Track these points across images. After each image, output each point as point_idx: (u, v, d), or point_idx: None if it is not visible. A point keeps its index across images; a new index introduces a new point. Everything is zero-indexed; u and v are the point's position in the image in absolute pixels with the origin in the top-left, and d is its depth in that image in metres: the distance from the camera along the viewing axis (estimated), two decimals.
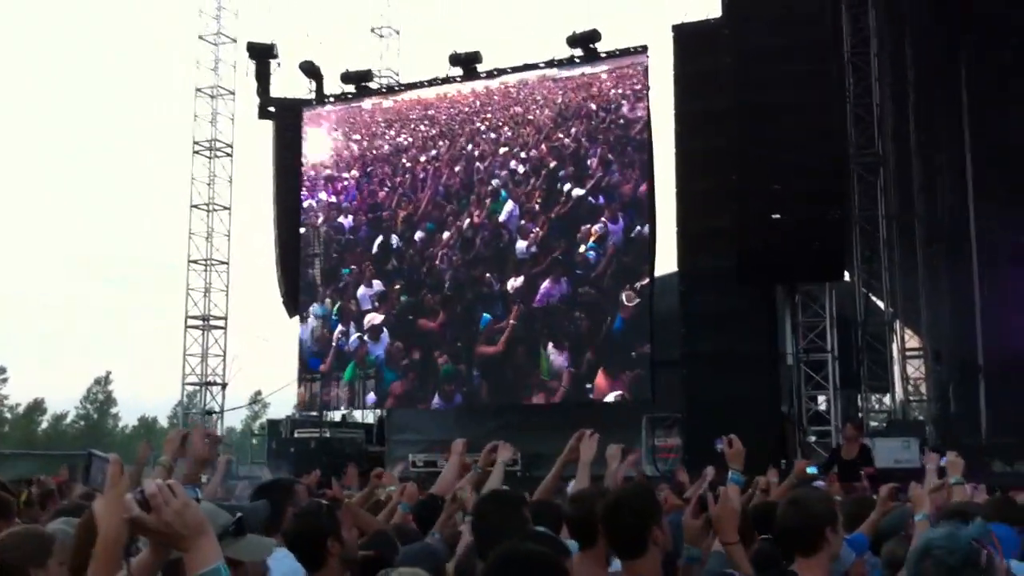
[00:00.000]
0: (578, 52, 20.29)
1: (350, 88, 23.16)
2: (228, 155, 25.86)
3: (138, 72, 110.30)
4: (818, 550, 3.81)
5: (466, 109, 22.45)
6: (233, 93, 25.91)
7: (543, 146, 21.03)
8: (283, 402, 24.08)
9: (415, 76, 23.64)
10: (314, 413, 21.49)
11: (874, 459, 10.60)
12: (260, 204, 25.59)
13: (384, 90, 23.88)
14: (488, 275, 20.74)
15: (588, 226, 19.75)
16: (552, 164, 20.61)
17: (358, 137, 23.09)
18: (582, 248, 19.61)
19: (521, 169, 21.24)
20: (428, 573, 2.57)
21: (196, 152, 25.71)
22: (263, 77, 24.35)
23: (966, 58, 19.53)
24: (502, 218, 21.14)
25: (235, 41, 25.75)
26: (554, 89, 21.05)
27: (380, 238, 22.00)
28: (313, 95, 23.72)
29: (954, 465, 5.57)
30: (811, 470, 7.63)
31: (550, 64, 20.65)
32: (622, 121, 19.82)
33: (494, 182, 21.38)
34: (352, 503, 5.47)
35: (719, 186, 16.56)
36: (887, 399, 17.31)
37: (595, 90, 20.43)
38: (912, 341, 19.55)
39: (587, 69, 20.51)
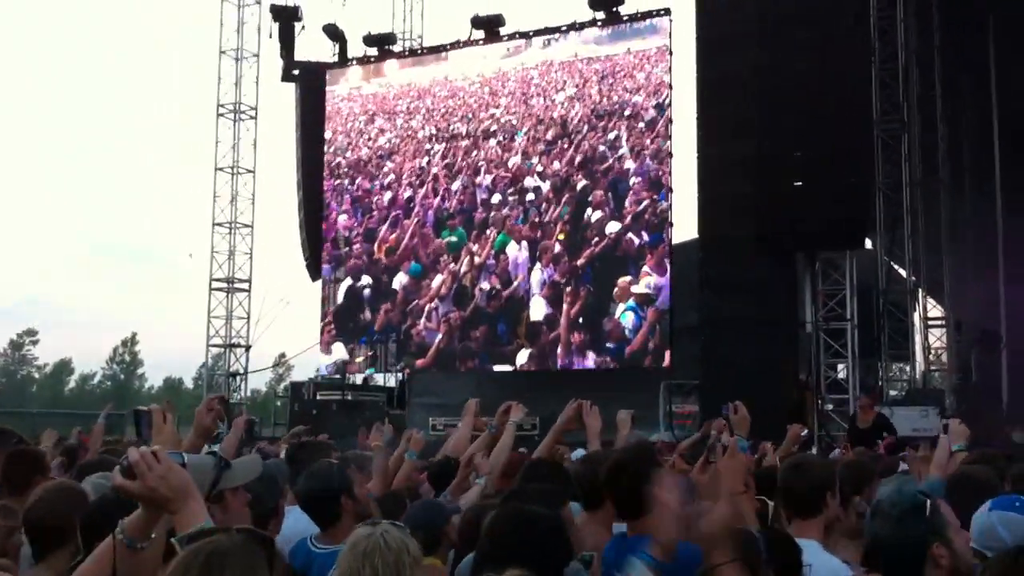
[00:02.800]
0: (600, 15, 20.15)
1: (372, 51, 23.13)
2: (252, 118, 25.92)
3: (162, 35, 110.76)
4: (817, 513, 3.94)
5: (472, 101, 21.19)
6: (257, 56, 25.94)
7: (568, 154, 19.69)
8: (307, 364, 24.22)
9: (438, 39, 23.56)
10: (337, 376, 21.67)
11: (893, 427, 10.58)
12: (284, 167, 25.73)
13: (407, 53, 23.85)
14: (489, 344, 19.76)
15: (627, 279, 18.45)
16: (580, 183, 19.42)
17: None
18: (617, 311, 18.46)
19: (538, 187, 19.91)
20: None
21: (220, 115, 25.79)
22: (287, 40, 24.38)
23: (994, 22, 19.25)
24: (511, 257, 19.87)
25: (259, 3, 25.73)
26: (576, 74, 20.28)
27: (348, 281, 21.65)
28: (336, 58, 23.72)
29: (957, 433, 5.59)
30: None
31: (572, 27, 20.51)
32: (648, 118, 19.20)
33: (503, 208, 20.07)
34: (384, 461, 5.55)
35: (740, 152, 16.46)
36: (907, 368, 17.23)
37: (620, 77, 19.66)
38: (935, 311, 19.41)
39: (609, 49, 20.05)
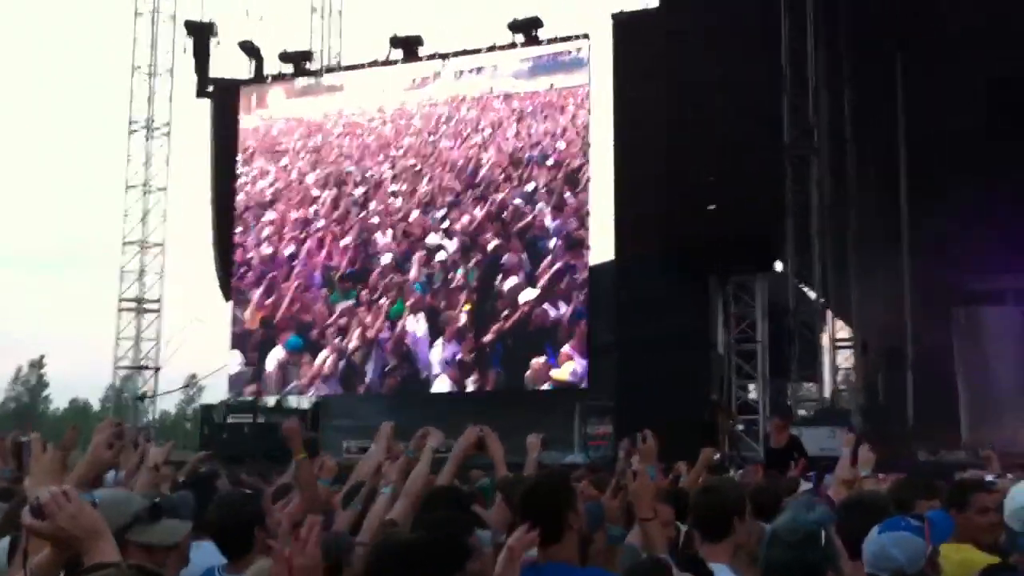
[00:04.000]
0: (520, 38, 20.24)
1: (288, 68, 22.91)
2: (165, 135, 25.44)
3: (74, 51, 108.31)
4: (726, 536, 3.99)
5: (371, 140, 19.03)
6: (171, 72, 25.50)
7: (479, 208, 17.69)
8: (217, 387, 23.76)
9: (356, 59, 23.38)
10: (249, 398, 21.31)
11: (804, 448, 10.73)
12: (197, 185, 25.29)
13: (323, 71, 23.68)
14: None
15: (541, 360, 17.02)
16: (492, 242, 17.58)
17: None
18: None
19: (442, 246, 17.86)
20: None
21: (132, 131, 25.28)
22: (202, 55, 23.99)
23: (900, 56, 19.92)
24: (410, 332, 17.99)
25: (173, 19, 25.31)
26: (491, 112, 18.71)
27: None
28: (252, 74, 23.44)
29: (865, 460, 5.71)
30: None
31: (491, 49, 20.53)
32: (574, 166, 17.95)
33: (401, 271, 17.95)
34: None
35: (656, 175, 16.69)
36: (816, 388, 17.59)
37: (541, 118, 18.27)
38: (843, 331, 19.85)
39: (529, 85, 19.02)
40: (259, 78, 23.18)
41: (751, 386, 16.66)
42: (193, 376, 36.86)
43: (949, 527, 4.59)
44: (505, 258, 17.76)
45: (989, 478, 7.28)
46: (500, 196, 18.30)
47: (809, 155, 17.99)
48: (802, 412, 16.58)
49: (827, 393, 17.63)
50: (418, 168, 18.95)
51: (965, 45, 18.08)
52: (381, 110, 19.76)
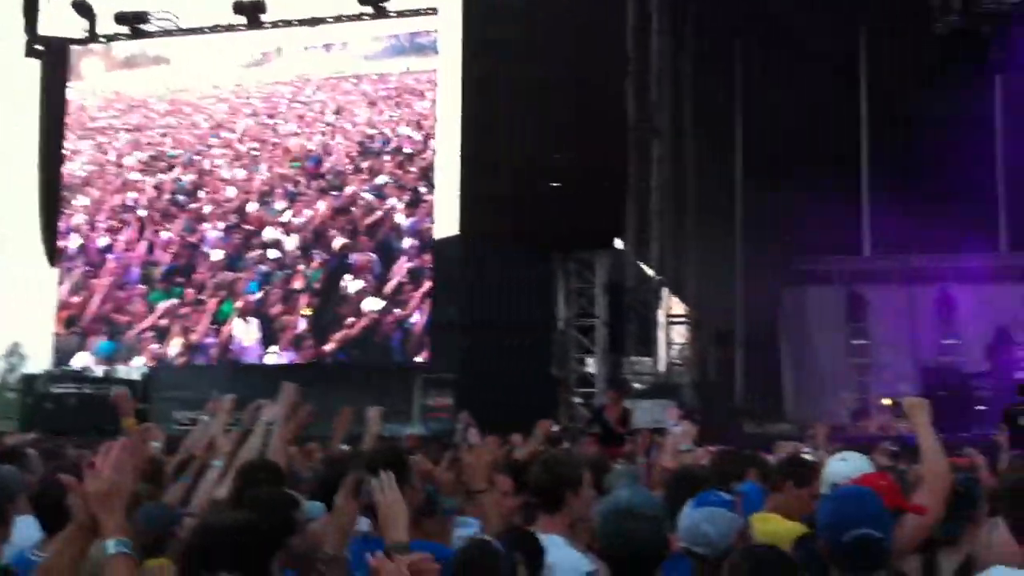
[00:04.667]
0: (368, 9, 19.92)
1: (124, 29, 21.95)
2: None
3: None
4: (560, 509, 4.11)
5: (201, 121, 16.92)
6: None
7: (323, 201, 16.20)
8: (41, 356, 22.71)
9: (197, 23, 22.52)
10: (75, 367, 20.44)
11: (631, 421, 11.01)
12: (23, 148, 24.01)
13: (161, 33, 22.79)
14: None
15: None
16: (338, 240, 16.18)
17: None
18: None
19: (280, 242, 16.26)
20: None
21: None
22: (31, 13, 22.76)
23: (741, 46, 20.65)
24: (237, 337, 16.34)
25: None
26: (340, 94, 17.49)
27: None
28: (86, 34, 22.36)
29: (686, 434, 5.94)
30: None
31: (338, 19, 20.14)
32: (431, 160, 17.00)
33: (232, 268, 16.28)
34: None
35: (502, 153, 16.79)
36: (652, 363, 18.10)
37: (395, 104, 17.21)
38: (678, 309, 20.46)
39: (382, 66, 18.06)
40: (92, 38, 22.15)
41: (590, 361, 17.02)
42: (15, 344, 35.30)
43: (760, 500, 4.82)
44: (352, 258, 16.56)
45: (806, 451, 7.68)
46: (348, 189, 17.07)
47: (650, 137, 18.40)
48: (637, 386, 17.05)
49: (661, 368, 18.16)
50: (256, 154, 17.33)
51: (800, 33, 18.88)
52: (215, 87, 17.97)
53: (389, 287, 16.50)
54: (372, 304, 16.27)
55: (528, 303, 16.62)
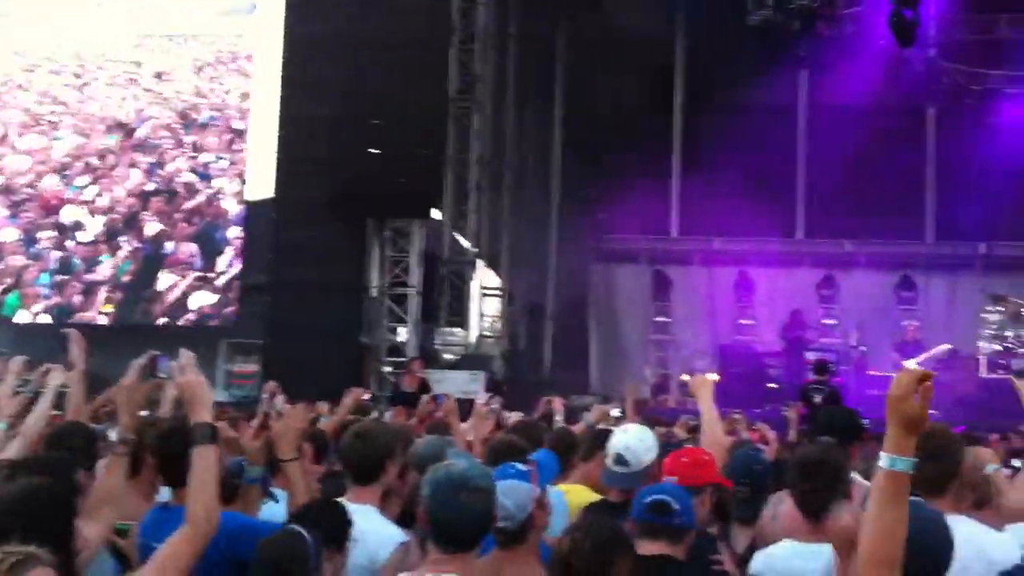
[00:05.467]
0: None
1: None
2: None
3: None
4: (374, 480, 4.15)
5: None
6: None
7: (135, 178, 14.07)
8: None
9: None
10: None
11: (431, 390, 11.06)
12: None
13: None
14: None
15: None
16: (154, 226, 14.18)
17: None
18: None
19: (81, 224, 14.01)
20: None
21: None
22: None
23: (565, 26, 21.05)
24: None
25: None
26: (162, 54, 15.47)
27: None
28: None
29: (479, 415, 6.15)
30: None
31: None
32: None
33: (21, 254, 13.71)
34: None
35: (320, 115, 16.50)
36: (464, 335, 18.24)
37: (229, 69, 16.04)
38: (492, 281, 20.68)
39: (211, 26, 16.76)
40: None
41: (402, 330, 17.01)
42: None
43: (556, 467, 4.98)
44: (169, 247, 14.95)
45: (616, 411, 8.00)
46: (167, 167, 15.28)
47: (471, 108, 18.46)
48: (449, 357, 17.17)
49: (473, 339, 18.34)
50: (57, 119, 14.93)
51: (620, 19, 19.34)
52: (14, 38, 15.23)
53: (220, 281, 15.16)
54: (198, 300, 14.94)
55: (341, 270, 16.45)
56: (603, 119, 20.53)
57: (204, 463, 3.18)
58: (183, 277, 14.88)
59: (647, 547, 3.56)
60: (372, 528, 3.88)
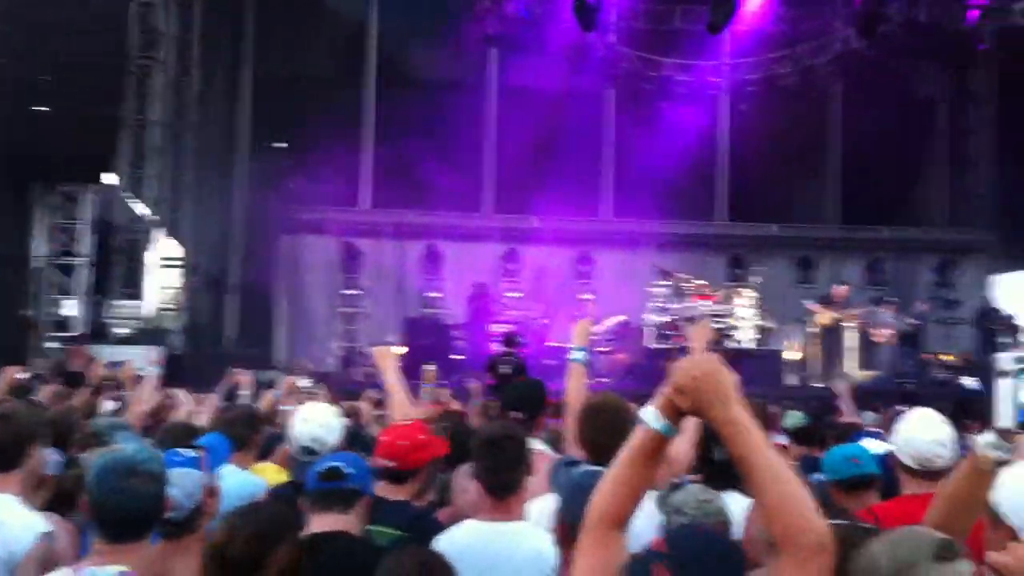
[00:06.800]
0: None
1: None
2: None
3: None
4: (17, 465, 3.79)
5: None
6: None
7: None
8: None
9: None
10: None
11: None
12: None
13: None
14: None
15: None
16: None
17: None
18: None
19: None
20: None
21: None
22: None
23: None
24: None
25: None
26: None
27: None
28: None
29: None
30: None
31: None
32: None
33: None
34: None
35: None
36: (139, 307, 17.26)
37: None
38: (173, 251, 19.76)
39: None
40: None
41: (69, 303, 15.86)
42: None
43: (227, 450, 4.78)
44: None
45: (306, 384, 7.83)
46: None
47: (152, 69, 17.45)
48: (123, 331, 16.23)
49: (150, 312, 17.40)
50: None
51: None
52: None
53: None
54: None
55: (2, 238, 15.16)
56: (294, 88, 20.10)
57: None
58: None
59: (320, 522, 3.43)
60: (11, 518, 3.55)
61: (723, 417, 2.20)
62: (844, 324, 16.80)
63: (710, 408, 2.22)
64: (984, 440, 2.86)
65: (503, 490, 3.70)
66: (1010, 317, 18.39)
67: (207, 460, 3.46)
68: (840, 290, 17.41)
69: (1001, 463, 2.78)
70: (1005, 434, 2.66)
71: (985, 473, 2.82)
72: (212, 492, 3.37)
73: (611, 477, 2.36)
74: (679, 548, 2.11)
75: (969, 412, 7.79)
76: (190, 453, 3.39)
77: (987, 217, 22.14)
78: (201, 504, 3.28)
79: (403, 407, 5.09)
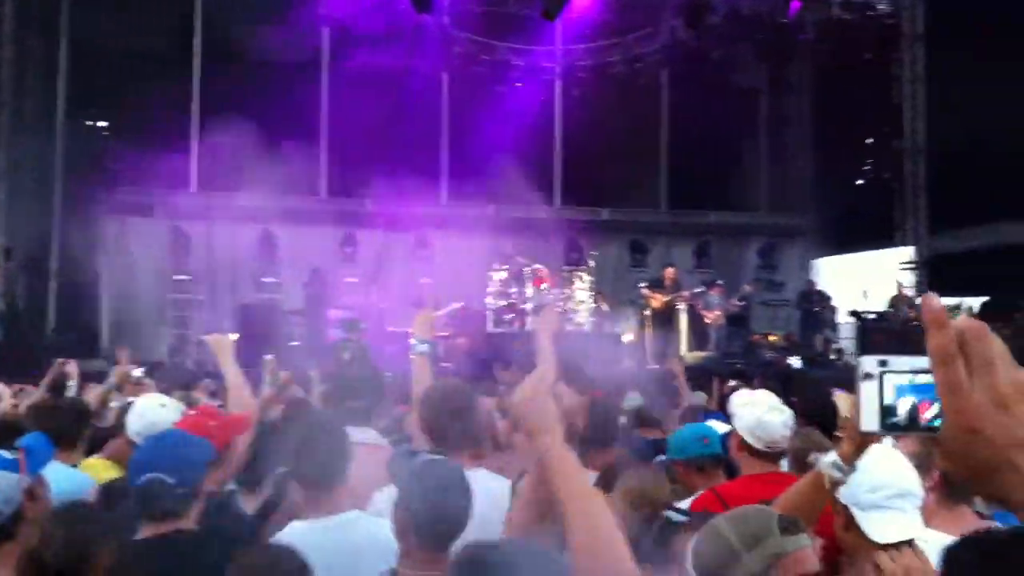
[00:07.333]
0: None
1: None
2: None
3: None
4: None
5: None
6: None
7: None
8: None
9: None
10: None
11: None
12: None
13: None
14: None
15: None
16: None
17: None
18: None
19: None
20: None
21: None
22: None
23: None
24: None
25: None
26: None
27: None
28: None
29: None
30: None
31: None
32: None
33: None
34: None
35: None
36: None
37: None
38: None
39: None
40: None
41: None
42: None
43: (49, 452, 4.53)
44: None
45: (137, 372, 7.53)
46: None
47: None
48: None
49: None
50: None
51: None
52: None
53: None
54: None
55: None
56: (116, 64, 19.21)
57: None
58: None
59: (151, 528, 3.23)
60: None
61: (544, 448, 2.25)
62: (676, 307, 17.30)
63: (536, 434, 2.27)
64: (827, 460, 3.05)
65: (320, 482, 3.61)
66: (830, 299, 19.36)
67: (27, 461, 3.24)
68: (668, 272, 17.92)
69: (839, 484, 3.06)
70: (867, 437, 2.84)
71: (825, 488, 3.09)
72: (33, 495, 3.16)
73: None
74: None
75: (794, 391, 8.12)
76: (6, 455, 3.16)
77: (806, 203, 23.17)
78: (21, 508, 3.07)
79: (241, 395, 4.94)
